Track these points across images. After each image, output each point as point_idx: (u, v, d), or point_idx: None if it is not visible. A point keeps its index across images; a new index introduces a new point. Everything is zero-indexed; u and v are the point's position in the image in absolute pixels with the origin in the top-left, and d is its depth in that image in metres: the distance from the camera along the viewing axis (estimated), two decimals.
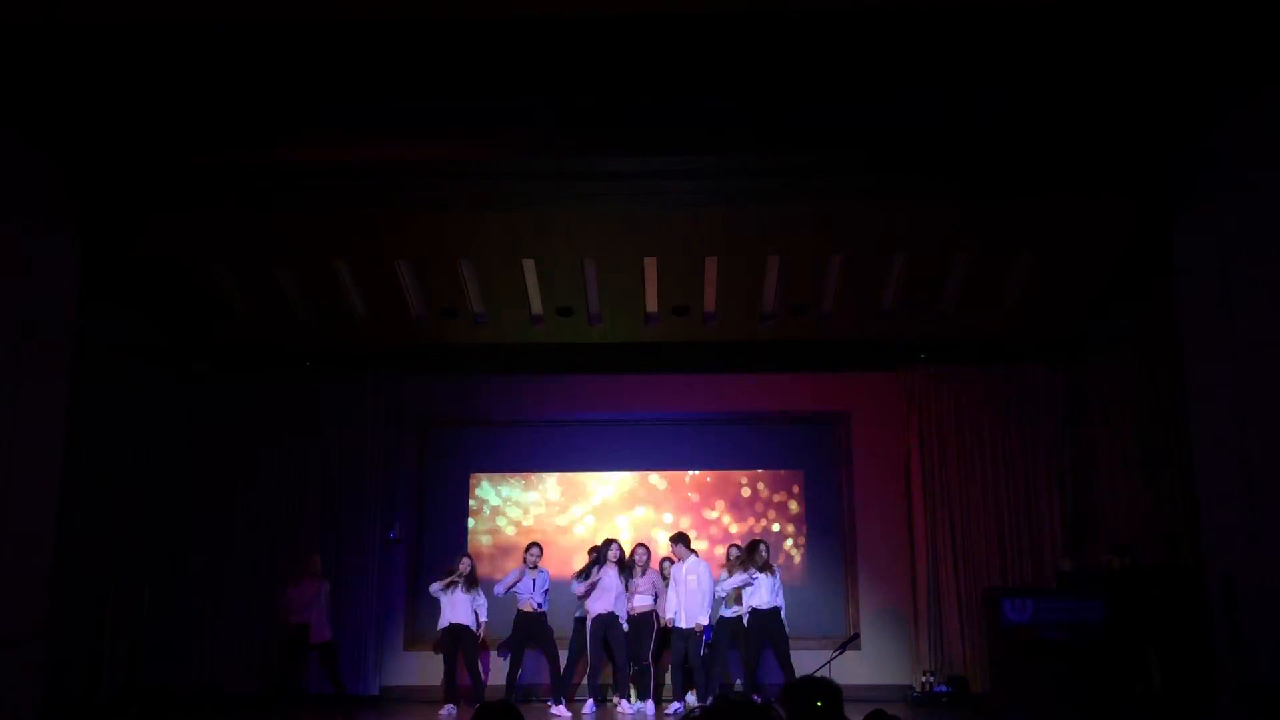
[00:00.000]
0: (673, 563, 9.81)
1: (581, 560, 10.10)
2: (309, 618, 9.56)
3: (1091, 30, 6.63)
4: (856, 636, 10.49)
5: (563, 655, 9.92)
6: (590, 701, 9.67)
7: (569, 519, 11.45)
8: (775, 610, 9.60)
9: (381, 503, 10.96)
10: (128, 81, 7.01)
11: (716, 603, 9.74)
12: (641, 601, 9.59)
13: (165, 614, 10.18)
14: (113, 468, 9.86)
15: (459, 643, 9.80)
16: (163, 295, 9.85)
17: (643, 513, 11.42)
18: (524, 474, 11.54)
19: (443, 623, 9.87)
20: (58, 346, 7.65)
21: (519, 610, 9.84)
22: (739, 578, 9.58)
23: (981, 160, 7.92)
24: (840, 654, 9.72)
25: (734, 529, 11.31)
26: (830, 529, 11.32)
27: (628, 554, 9.89)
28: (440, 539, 11.34)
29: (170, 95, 7.20)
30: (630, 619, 9.59)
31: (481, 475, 11.53)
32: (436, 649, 10.28)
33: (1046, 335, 10.67)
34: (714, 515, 11.44)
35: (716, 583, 9.69)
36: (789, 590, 10.62)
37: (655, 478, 11.50)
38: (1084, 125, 7.49)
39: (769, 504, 11.45)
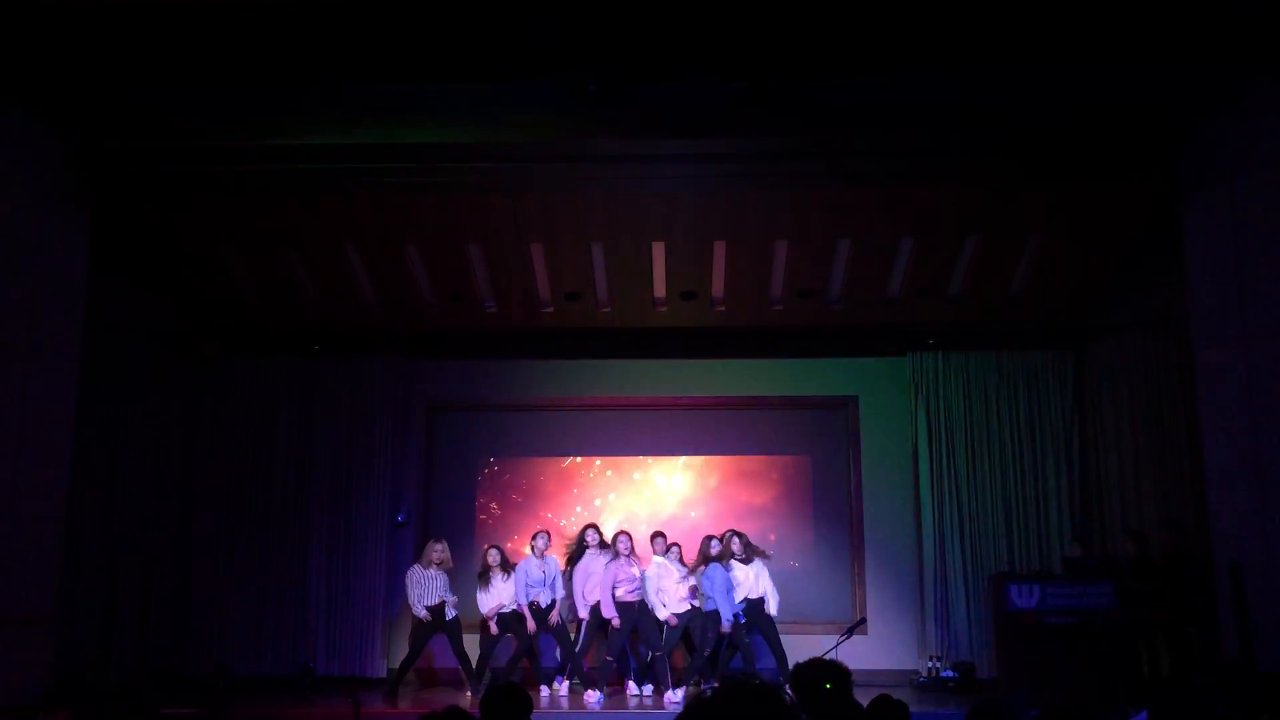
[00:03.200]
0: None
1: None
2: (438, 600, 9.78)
3: (1103, 16, 6.61)
4: (863, 621, 10.50)
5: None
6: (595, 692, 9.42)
7: (576, 502, 11.48)
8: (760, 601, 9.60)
9: (389, 486, 10.98)
10: (139, 65, 7.02)
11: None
12: (634, 590, 9.56)
13: (174, 596, 10.23)
14: (122, 450, 9.91)
15: (511, 629, 9.79)
16: (172, 278, 9.86)
17: (645, 497, 11.44)
18: (530, 457, 11.57)
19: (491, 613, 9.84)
20: (68, 329, 7.66)
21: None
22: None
23: (991, 146, 7.89)
24: (846, 639, 9.72)
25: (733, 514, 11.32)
26: (837, 514, 11.32)
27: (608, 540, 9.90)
28: (447, 523, 11.37)
29: (181, 79, 7.20)
30: (626, 606, 9.50)
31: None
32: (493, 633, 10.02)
33: (1055, 321, 10.65)
34: (715, 499, 11.46)
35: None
36: (798, 575, 10.68)
37: (662, 462, 11.50)
38: (1094, 111, 7.46)
39: (775, 489, 11.46)
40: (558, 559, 10.01)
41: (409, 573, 9.96)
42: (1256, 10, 6.37)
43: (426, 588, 9.82)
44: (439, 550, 9.93)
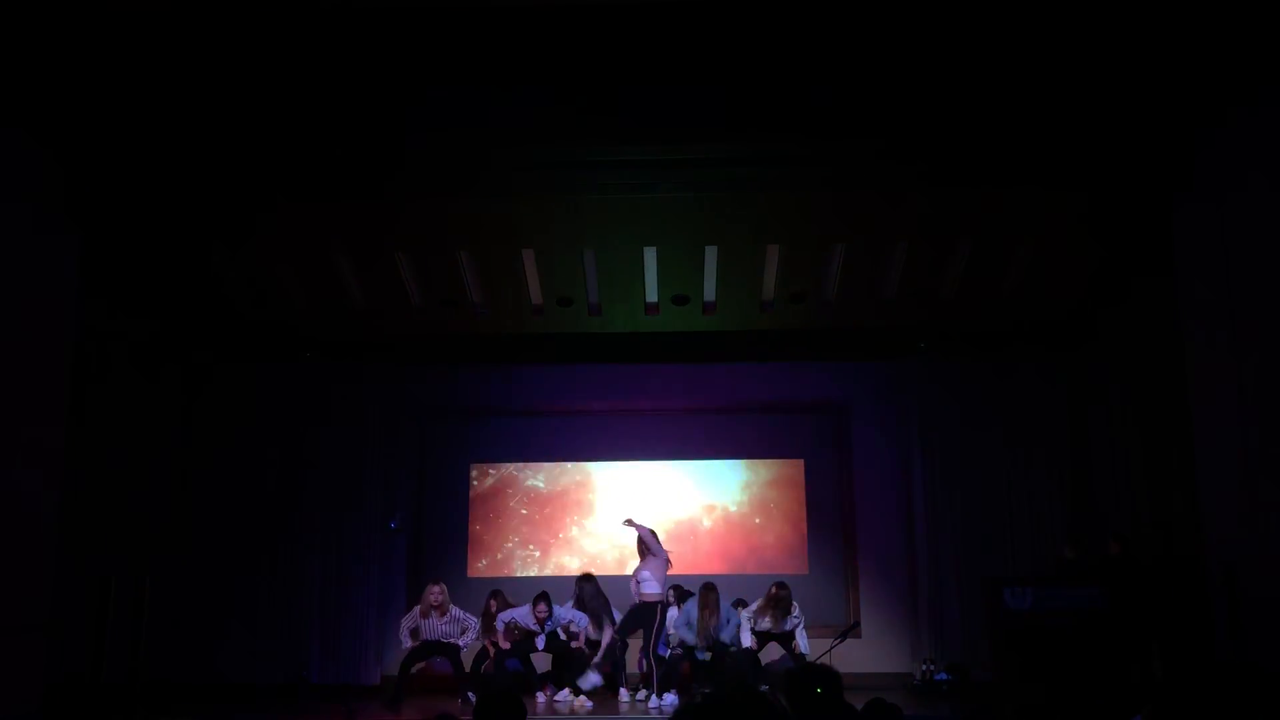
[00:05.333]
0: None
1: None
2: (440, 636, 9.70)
3: (1095, 21, 6.63)
4: (857, 625, 10.50)
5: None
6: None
7: (569, 508, 11.47)
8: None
9: (381, 493, 10.98)
10: (124, 76, 7.00)
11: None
12: (649, 589, 9.52)
13: (167, 604, 10.20)
14: (114, 458, 9.88)
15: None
16: (164, 286, 9.83)
17: (637, 502, 11.43)
18: (523, 463, 11.57)
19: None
20: (59, 337, 7.65)
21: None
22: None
23: (982, 150, 7.89)
24: (840, 642, 9.74)
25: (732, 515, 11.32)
26: (830, 518, 11.34)
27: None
28: (440, 529, 11.37)
29: (167, 88, 7.18)
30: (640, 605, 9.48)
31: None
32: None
33: (1047, 323, 10.66)
34: (711, 504, 11.45)
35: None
36: (792, 580, 10.69)
37: (655, 467, 11.50)
38: (1086, 115, 7.47)
39: (769, 493, 11.46)
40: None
41: (404, 620, 9.82)
42: (1245, 18, 6.39)
43: (428, 632, 9.68)
44: (436, 593, 9.71)
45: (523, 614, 9.71)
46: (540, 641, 9.67)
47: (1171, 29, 6.57)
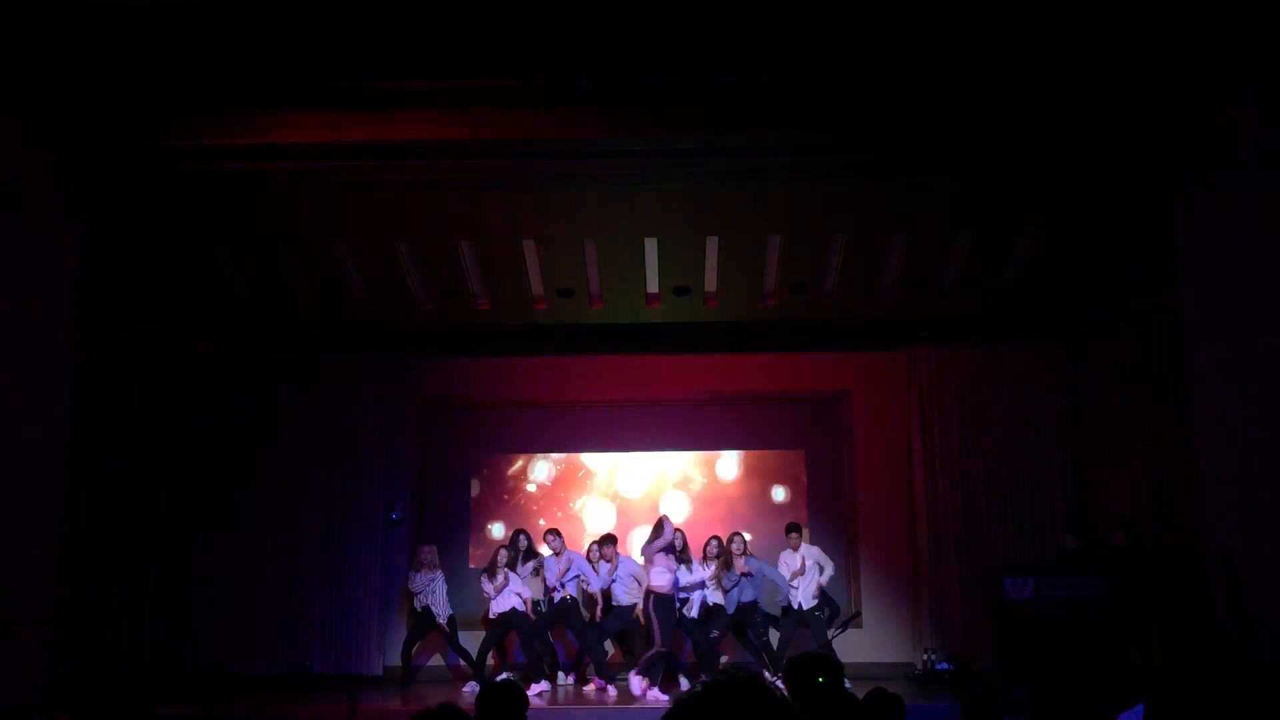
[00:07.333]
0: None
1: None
2: (429, 602, 10.14)
3: (1092, 6, 6.61)
4: (858, 614, 10.52)
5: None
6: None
7: (568, 499, 11.48)
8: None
9: (383, 484, 10.97)
10: (129, 65, 6.99)
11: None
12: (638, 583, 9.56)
13: (171, 595, 10.22)
14: (116, 451, 9.89)
15: (513, 627, 9.85)
16: (164, 278, 9.83)
17: (638, 493, 11.44)
18: (523, 454, 11.58)
19: (493, 612, 9.86)
20: (60, 330, 7.64)
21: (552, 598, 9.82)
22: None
23: (982, 138, 7.88)
24: (842, 632, 9.75)
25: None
26: (832, 508, 11.33)
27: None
28: (442, 519, 11.37)
29: (171, 79, 7.18)
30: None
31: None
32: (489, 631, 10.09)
33: (1048, 313, 10.65)
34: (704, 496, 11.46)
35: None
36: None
37: (656, 457, 11.50)
38: (1084, 103, 7.46)
39: (770, 483, 11.47)
40: (575, 553, 10.02)
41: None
42: (1244, 2, 6.38)
43: (418, 590, 10.18)
44: (426, 551, 10.31)
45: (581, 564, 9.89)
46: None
47: (1165, 11, 6.54)
